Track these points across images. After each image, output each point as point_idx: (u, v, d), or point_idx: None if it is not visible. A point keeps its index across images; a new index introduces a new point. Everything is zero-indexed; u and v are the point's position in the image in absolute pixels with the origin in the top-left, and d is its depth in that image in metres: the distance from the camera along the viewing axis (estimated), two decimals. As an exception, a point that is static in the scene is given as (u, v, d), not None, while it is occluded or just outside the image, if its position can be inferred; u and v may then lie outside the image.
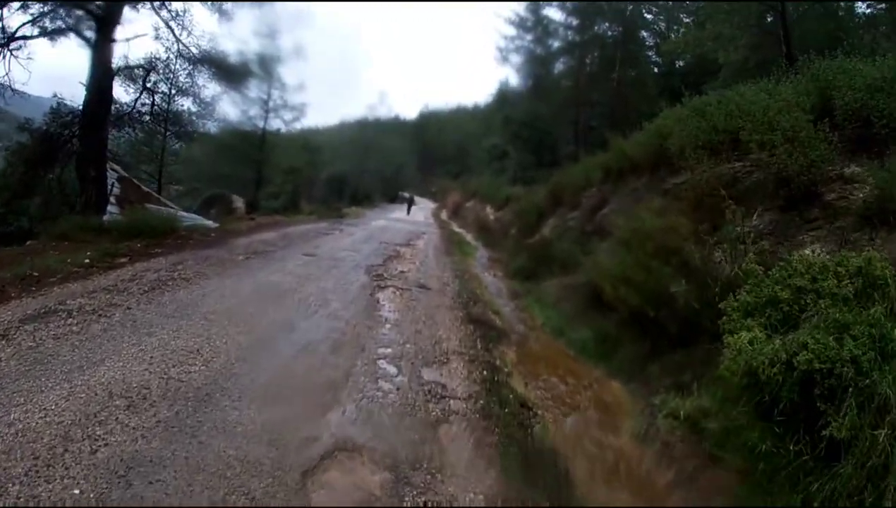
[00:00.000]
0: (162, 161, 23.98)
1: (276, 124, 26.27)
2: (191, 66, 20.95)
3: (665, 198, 10.68)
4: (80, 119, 14.48)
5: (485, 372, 5.77)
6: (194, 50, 18.41)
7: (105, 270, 8.58)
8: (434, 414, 4.60)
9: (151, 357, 5.14)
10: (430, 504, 3.42)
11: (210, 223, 14.45)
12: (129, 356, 5.13)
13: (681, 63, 30.36)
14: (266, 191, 27.99)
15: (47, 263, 8.64)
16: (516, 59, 36.89)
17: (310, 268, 10.26)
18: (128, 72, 20.70)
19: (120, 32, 15.20)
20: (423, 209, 39.43)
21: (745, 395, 4.88)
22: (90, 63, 14.21)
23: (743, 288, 5.68)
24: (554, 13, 34.06)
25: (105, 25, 14.23)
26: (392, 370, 5.47)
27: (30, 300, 6.80)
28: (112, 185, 14.32)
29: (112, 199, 14.16)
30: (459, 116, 62.51)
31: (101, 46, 14.22)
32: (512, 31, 36.07)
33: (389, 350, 6.05)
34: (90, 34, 14.37)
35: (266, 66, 25.66)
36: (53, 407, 4.08)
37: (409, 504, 3.41)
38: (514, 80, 39.38)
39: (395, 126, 56.44)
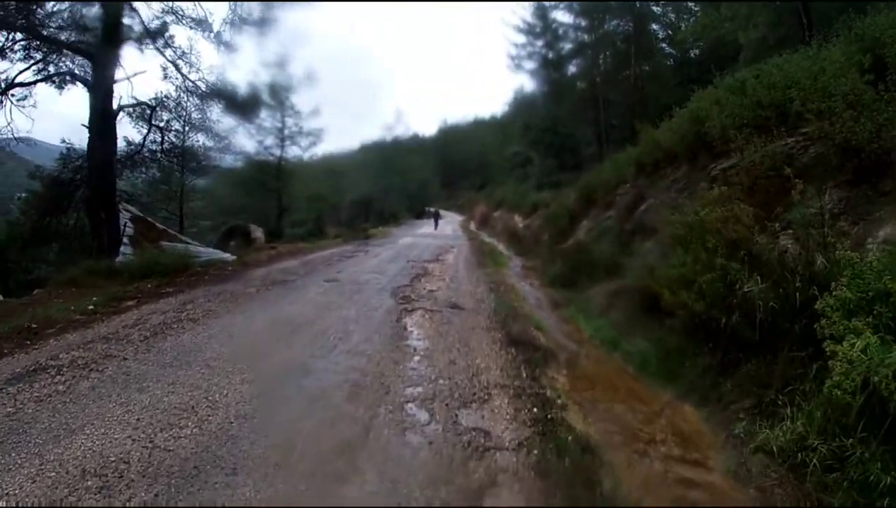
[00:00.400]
0: (182, 198, 23.59)
1: (293, 151, 25.86)
2: (201, 102, 20.60)
3: (714, 185, 9.63)
4: (86, 162, 14.01)
5: (534, 409, 4.75)
6: (202, 85, 17.96)
7: (109, 316, 7.85)
8: (477, 475, 3.60)
9: (138, 419, 4.32)
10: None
11: (227, 256, 13.78)
12: (114, 419, 4.34)
13: (695, 52, 29.17)
14: (291, 218, 27.49)
15: (49, 313, 7.99)
16: (529, 65, 36.10)
17: (330, 296, 9.40)
18: (139, 111, 20.51)
19: (122, 72, 14.79)
20: (451, 222, 38.55)
21: (860, 419, 3.88)
22: (90, 105, 13.75)
23: (838, 281, 4.61)
24: (562, 15, 33.27)
25: (101, 67, 13.76)
26: (423, 416, 4.50)
27: (22, 355, 6.13)
28: (125, 226, 13.73)
29: (125, 240, 13.57)
30: (478, 128, 61.80)
31: (99, 88, 13.75)
32: (522, 38, 35.40)
33: (419, 389, 5.08)
34: (87, 77, 13.96)
35: (278, 95, 25.25)
36: (17, 492, 3.42)
37: None
38: (529, 85, 38.49)
39: (415, 144, 55.91)
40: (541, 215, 23.09)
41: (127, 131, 19.93)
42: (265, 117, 25.23)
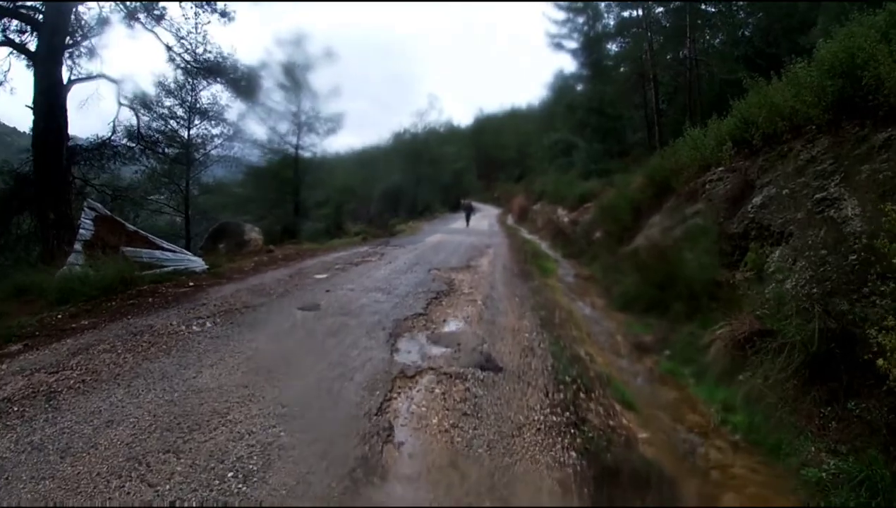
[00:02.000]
0: (187, 193, 20.50)
1: (311, 140, 22.42)
2: (196, 81, 17.47)
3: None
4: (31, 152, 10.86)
5: None
6: (188, 58, 14.72)
7: None
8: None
9: None
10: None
11: (198, 265, 10.45)
12: None
13: (748, 28, 24.82)
14: (319, 212, 24.17)
15: None
16: (570, 44, 32.12)
17: (290, 341, 5.88)
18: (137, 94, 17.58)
19: (120, 53, 11.61)
20: (487, 216, 34.71)
21: None
22: (33, 81, 10.58)
23: None
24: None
25: (48, 34, 10.53)
26: None
27: None
28: (79, 228, 10.55)
29: (77, 246, 10.38)
30: (515, 118, 57.57)
31: (45, 59, 10.51)
32: (561, 14, 31.50)
33: None
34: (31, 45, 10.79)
35: (293, 75, 21.85)
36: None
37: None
38: (570, 67, 34.27)
39: (448, 132, 52.21)
40: (591, 208, 19.24)
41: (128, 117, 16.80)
42: (279, 101, 21.92)
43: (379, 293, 8.41)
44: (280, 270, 10.72)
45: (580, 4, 31.38)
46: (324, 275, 10.12)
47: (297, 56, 21.86)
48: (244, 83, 18.09)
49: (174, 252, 11.55)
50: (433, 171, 34.16)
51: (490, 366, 5.04)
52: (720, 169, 10.04)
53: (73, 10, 12.42)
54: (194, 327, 6.45)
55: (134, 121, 16.68)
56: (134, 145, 15.80)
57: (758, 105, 8.95)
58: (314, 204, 23.65)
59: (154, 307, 7.52)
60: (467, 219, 27.40)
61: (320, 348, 5.52)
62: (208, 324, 6.54)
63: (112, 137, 15.21)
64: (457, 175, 40.47)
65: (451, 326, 6.61)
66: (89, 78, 13.75)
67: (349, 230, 21.21)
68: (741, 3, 25.92)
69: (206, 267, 10.44)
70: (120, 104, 14.70)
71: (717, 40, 26.58)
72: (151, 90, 19.41)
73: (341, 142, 60.89)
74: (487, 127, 60.68)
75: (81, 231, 10.73)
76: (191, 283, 9.18)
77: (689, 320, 7.27)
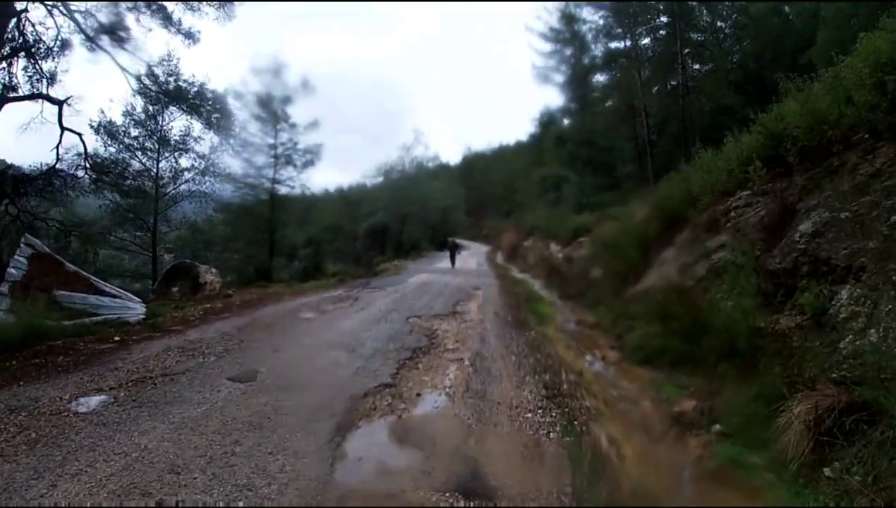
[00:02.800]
0: (155, 229, 18.79)
1: (287, 173, 20.78)
2: (163, 109, 15.98)
3: None
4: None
5: None
6: (152, 84, 13.27)
7: None
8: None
9: None
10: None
11: (136, 312, 8.72)
12: None
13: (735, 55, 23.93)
14: (301, 252, 22.40)
15: None
16: (558, 77, 31.31)
17: (195, 436, 4.11)
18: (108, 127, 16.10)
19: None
20: (476, 254, 33.04)
21: None
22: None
23: None
24: (590, 15, 28.55)
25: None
26: None
27: None
28: (8, 266, 8.92)
29: (4, 288, 8.72)
30: (503, 155, 56.70)
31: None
32: (548, 46, 30.74)
33: None
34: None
35: (269, 107, 20.39)
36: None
37: None
38: (558, 100, 33.23)
39: (436, 167, 51.02)
40: (585, 243, 17.69)
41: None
42: (254, 132, 20.39)
43: (341, 351, 6.65)
44: (231, 320, 8.93)
45: (567, 36, 30.61)
46: (277, 328, 8.34)
47: (274, 87, 20.47)
48: (215, 113, 16.58)
49: (115, 297, 9.79)
50: (420, 209, 32.59)
51: (478, 489, 3.24)
52: (746, 193, 8.49)
53: (15, 20, 11.02)
54: (84, 406, 4.67)
55: (93, 149, 15.06)
56: (84, 175, 14.01)
57: (797, 113, 7.40)
58: (294, 243, 21.90)
59: (59, 370, 5.80)
60: (452, 259, 24.00)
61: (228, 454, 3.73)
62: (106, 401, 4.76)
63: (58, 166, 13.49)
64: (445, 212, 38.97)
65: (427, 404, 4.85)
66: (27, 97, 12.18)
67: (328, 270, 19.46)
68: (728, 31, 25.17)
69: (143, 316, 8.65)
70: (63, 128, 13.04)
71: (707, 67, 25.52)
72: (118, 119, 18.07)
73: (327, 179, 59.28)
74: (476, 164, 59.85)
75: (11, 270, 9.10)
76: (116, 338, 7.39)
77: (737, 379, 5.56)
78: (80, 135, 14.23)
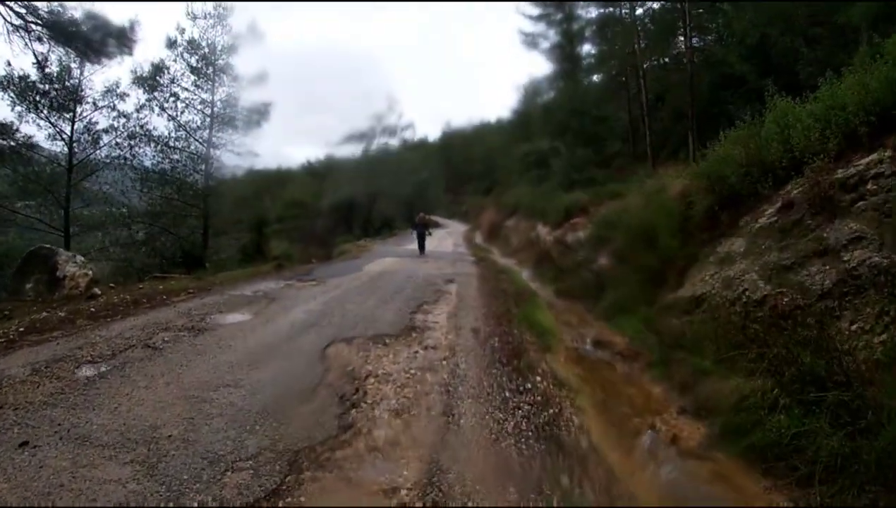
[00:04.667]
0: (68, 204, 14.78)
1: (227, 137, 16.64)
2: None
3: None
4: None
5: None
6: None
7: None
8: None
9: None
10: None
11: None
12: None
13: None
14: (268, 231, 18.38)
15: None
16: (545, 44, 27.57)
17: None
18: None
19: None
20: (453, 233, 29.32)
21: None
22: None
23: None
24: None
25: None
26: None
27: None
28: None
29: None
30: (484, 131, 52.74)
31: None
32: (537, 10, 27.01)
33: None
34: None
35: (206, 56, 16.21)
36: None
37: None
38: (545, 69, 29.22)
39: (416, 146, 46.94)
40: (581, 224, 14.27)
41: None
42: (188, 87, 16.23)
43: (126, 466, 3.01)
44: (49, 346, 5.21)
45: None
46: (130, 356, 4.69)
47: (213, 35, 16.26)
48: (120, 48, 12.61)
49: None
50: (392, 183, 28.52)
51: None
52: (890, 154, 5.02)
53: None
54: None
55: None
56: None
57: None
58: (242, 219, 17.86)
59: None
60: (421, 244, 17.48)
61: None
62: None
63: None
64: (420, 187, 34.91)
65: None
66: None
67: (272, 251, 15.65)
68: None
69: None
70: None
71: (711, 36, 21.82)
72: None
73: (303, 158, 54.47)
74: (455, 141, 55.71)
75: None
76: None
77: None
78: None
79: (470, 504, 2.80)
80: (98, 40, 12.69)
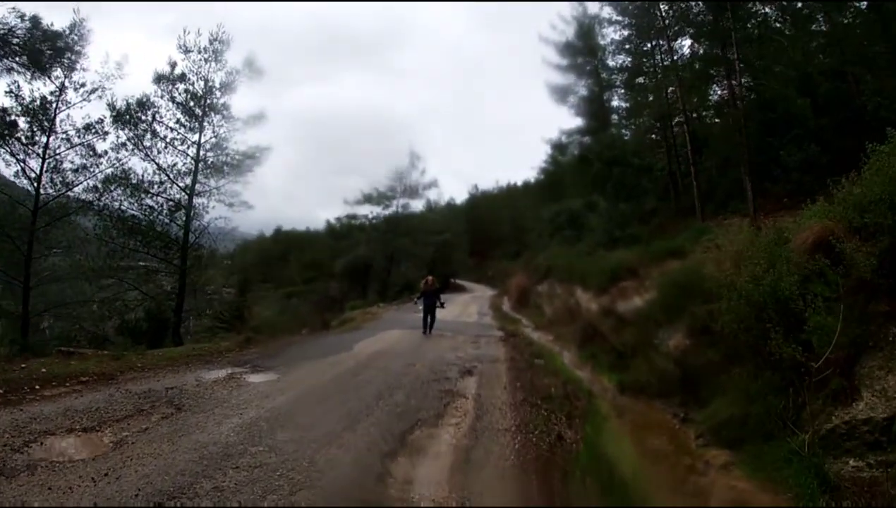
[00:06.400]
0: (30, 251, 12.44)
1: (207, 186, 14.21)
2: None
3: None
4: None
5: None
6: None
7: None
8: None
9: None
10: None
11: None
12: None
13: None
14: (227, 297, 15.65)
15: None
16: (577, 92, 25.49)
17: None
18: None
19: None
20: (478, 299, 26.03)
21: None
22: None
23: None
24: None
25: None
26: None
27: None
28: None
29: None
30: (511, 194, 50.49)
31: None
32: (564, 60, 25.08)
33: None
34: None
35: (196, 95, 14.06)
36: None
37: None
38: (573, 123, 26.82)
39: (444, 210, 44.77)
40: (636, 290, 11.21)
41: None
42: (172, 124, 14.01)
43: None
44: None
45: (585, 47, 24.88)
46: None
47: (207, 70, 14.17)
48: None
49: None
50: (412, 243, 25.71)
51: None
52: None
53: None
54: None
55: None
56: None
57: None
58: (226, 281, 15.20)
59: None
60: (427, 319, 12.64)
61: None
62: None
63: None
64: (443, 248, 31.96)
65: None
66: None
67: (254, 317, 12.84)
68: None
69: None
70: None
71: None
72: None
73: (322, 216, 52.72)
74: (482, 203, 53.45)
75: None
76: None
77: None
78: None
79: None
80: (34, 50, 10.62)
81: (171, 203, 13.56)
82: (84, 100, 13.13)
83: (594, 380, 7.70)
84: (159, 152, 13.62)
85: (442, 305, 13.23)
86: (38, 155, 12.83)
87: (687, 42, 20.64)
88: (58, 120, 12.78)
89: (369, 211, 27.91)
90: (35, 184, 12.42)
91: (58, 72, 12.68)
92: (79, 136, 13.17)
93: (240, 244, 54.77)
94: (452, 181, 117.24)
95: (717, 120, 21.70)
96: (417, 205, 30.43)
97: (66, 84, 12.72)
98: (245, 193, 14.98)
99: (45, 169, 12.45)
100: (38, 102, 12.42)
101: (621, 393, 6.95)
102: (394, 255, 25.59)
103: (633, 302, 10.78)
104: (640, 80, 23.48)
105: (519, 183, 50.83)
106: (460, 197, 49.13)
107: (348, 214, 29.86)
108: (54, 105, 12.63)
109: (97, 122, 13.30)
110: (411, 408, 5.22)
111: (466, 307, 20.55)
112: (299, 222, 57.38)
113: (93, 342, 10.69)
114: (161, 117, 13.60)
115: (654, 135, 23.21)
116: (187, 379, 6.36)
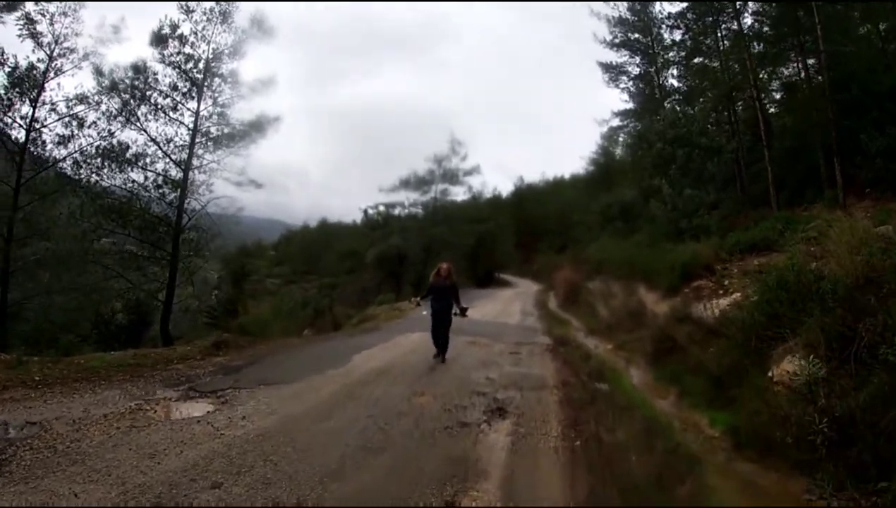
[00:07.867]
0: (10, 237, 10.97)
1: (206, 159, 12.32)
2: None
3: None
4: None
5: None
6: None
7: None
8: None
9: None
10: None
11: None
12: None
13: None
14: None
15: None
16: (631, 71, 23.01)
17: None
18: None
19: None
20: (522, 295, 23.42)
21: None
22: None
23: None
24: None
25: None
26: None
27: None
28: None
29: None
30: (558, 186, 47.38)
31: None
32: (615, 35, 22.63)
33: None
34: None
35: (193, 57, 12.20)
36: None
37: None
38: (627, 104, 24.02)
39: (488, 202, 42.25)
40: (718, 291, 8.70)
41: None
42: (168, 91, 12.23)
43: None
44: None
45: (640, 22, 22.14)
46: None
47: (211, 32, 12.27)
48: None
49: None
50: (451, 232, 23.36)
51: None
52: None
53: None
54: None
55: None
56: None
57: None
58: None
59: None
60: (438, 335, 7.86)
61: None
62: None
63: None
64: (486, 239, 29.39)
65: None
66: None
67: (249, 313, 10.88)
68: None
69: None
70: None
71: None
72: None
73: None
74: (528, 196, 50.52)
75: None
76: None
77: None
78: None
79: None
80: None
81: (160, 177, 11.72)
82: (75, 67, 11.59)
83: (686, 421, 5.22)
84: (147, 120, 11.86)
85: (463, 312, 8.03)
86: (21, 125, 11.34)
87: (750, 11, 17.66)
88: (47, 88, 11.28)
89: (405, 198, 25.85)
90: (18, 156, 10.87)
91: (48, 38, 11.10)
92: (68, 107, 11.63)
93: (283, 234, 54.03)
94: (496, 176, 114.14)
95: (785, 98, 18.90)
96: (458, 193, 28.12)
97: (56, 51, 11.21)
98: (284, 179, 13.23)
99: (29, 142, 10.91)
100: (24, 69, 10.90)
101: (736, 450, 4.46)
102: (431, 246, 23.27)
103: (720, 306, 8.24)
104: (699, 59, 20.67)
105: (566, 176, 47.65)
106: (505, 191, 46.12)
107: (385, 203, 27.94)
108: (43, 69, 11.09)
109: (95, 93, 11.68)
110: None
111: (509, 304, 18.15)
112: (346, 214, 56.27)
113: (51, 342, 8.99)
114: (156, 84, 11.81)
115: (715, 115, 20.37)
116: (74, 406, 4.36)
